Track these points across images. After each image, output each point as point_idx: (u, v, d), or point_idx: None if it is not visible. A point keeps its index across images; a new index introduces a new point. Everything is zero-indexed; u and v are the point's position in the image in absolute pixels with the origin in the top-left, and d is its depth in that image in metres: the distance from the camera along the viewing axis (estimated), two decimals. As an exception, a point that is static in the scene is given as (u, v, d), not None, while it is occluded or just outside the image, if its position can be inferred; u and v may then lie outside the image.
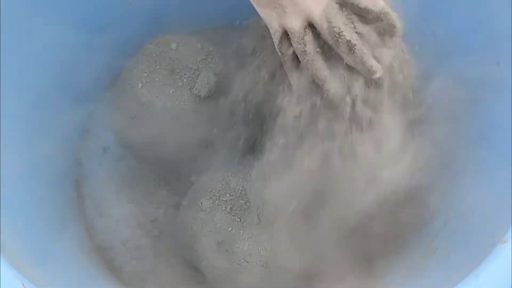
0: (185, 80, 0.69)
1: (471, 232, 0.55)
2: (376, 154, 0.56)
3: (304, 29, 0.49)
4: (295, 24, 0.49)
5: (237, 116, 0.74)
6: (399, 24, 0.50)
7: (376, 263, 0.69)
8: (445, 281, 0.47)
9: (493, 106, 0.60)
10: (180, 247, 0.69)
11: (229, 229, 0.61)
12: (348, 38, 0.48)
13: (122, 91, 0.71)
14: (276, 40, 0.52)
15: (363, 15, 0.49)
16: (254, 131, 0.74)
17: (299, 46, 0.50)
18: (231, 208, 0.62)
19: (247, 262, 0.61)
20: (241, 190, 0.63)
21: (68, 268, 0.60)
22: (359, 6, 0.48)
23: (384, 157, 0.57)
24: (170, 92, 0.68)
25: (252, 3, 0.51)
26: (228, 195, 0.63)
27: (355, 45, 0.48)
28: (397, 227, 0.70)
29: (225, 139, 0.74)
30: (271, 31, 0.52)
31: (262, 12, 0.51)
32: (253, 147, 0.74)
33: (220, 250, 0.61)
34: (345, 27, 0.48)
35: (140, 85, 0.69)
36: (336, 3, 0.48)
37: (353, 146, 0.54)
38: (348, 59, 0.49)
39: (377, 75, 0.49)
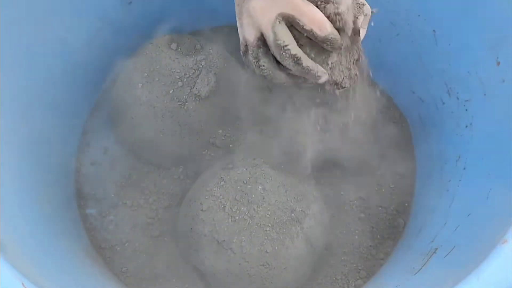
0: (185, 80, 0.69)
1: (471, 232, 0.55)
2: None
3: (257, 41, 0.52)
4: (249, 36, 0.52)
5: (238, 115, 0.75)
6: (340, 45, 0.51)
7: (376, 262, 0.69)
8: (445, 281, 0.47)
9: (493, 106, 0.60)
10: (180, 247, 0.69)
11: (229, 229, 0.61)
12: (293, 52, 0.50)
13: (122, 91, 0.71)
14: (241, 51, 0.55)
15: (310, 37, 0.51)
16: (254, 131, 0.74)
17: (254, 60, 0.53)
18: (231, 208, 0.62)
19: (247, 262, 0.61)
20: (241, 190, 0.63)
21: (68, 268, 0.60)
22: (304, 28, 0.49)
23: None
24: (170, 92, 0.68)
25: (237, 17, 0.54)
26: (228, 195, 0.63)
27: (300, 58, 0.50)
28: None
29: (225, 138, 0.74)
30: (240, 44, 0.55)
31: (238, 25, 0.54)
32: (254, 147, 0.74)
33: (220, 250, 0.61)
34: (290, 41, 0.50)
35: (140, 85, 0.69)
36: (283, 21, 0.50)
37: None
38: (294, 69, 0.52)
39: (323, 79, 0.53)
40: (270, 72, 0.53)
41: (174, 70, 0.69)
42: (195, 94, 0.68)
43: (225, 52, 0.74)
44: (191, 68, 0.69)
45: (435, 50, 0.67)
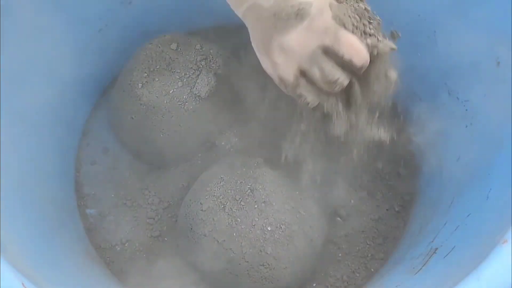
0: (185, 80, 0.69)
1: (471, 232, 0.55)
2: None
3: (297, 79, 0.50)
4: (288, 76, 0.50)
5: (238, 116, 0.74)
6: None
7: (376, 262, 0.69)
8: (445, 281, 0.47)
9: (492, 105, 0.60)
10: (180, 247, 0.69)
11: (229, 229, 0.61)
12: (345, 83, 0.49)
13: (122, 91, 0.71)
14: (283, 89, 0.53)
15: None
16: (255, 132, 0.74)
17: (296, 97, 0.51)
18: (231, 208, 0.62)
19: (247, 262, 0.61)
20: (241, 190, 0.63)
21: (68, 268, 0.60)
22: (344, 57, 0.47)
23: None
24: (170, 92, 0.68)
25: (255, 51, 0.53)
26: (228, 195, 0.63)
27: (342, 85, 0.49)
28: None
29: (225, 138, 0.74)
30: (276, 82, 0.53)
31: (262, 62, 0.52)
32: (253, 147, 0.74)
33: (220, 250, 0.61)
34: (340, 74, 0.48)
35: (140, 85, 0.69)
36: (320, 49, 0.48)
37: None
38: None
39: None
40: (317, 102, 0.51)
41: (174, 70, 0.69)
42: (195, 94, 0.68)
43: (225, 52, 0.74)
44: (191, 68, 0.69)
45: (435, 50, 0.67)
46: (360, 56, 0.47)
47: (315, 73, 0.48)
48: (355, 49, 0.47)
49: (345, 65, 0.48)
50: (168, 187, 0.73)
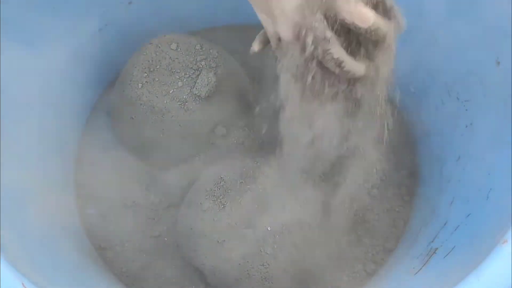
0: (185, 80, 0.69)
1: (471, 232, 0.55)
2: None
3: (297, 38, 0.48)
4: (286, 34, 0.48)
5: (238, 115, 0.74)
6: (390, 37, 0.48)
7: (376, 262, 0.69)
8: (445, 281, 0.47)
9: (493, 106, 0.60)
10: (180, 247, 0.69)
11: (229, 229, 0.61)
12: (335, 56, 0.47)
13: (122, 91, 0.71)
14: (273, 44, 0.52)
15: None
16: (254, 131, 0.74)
17: (291, 57, 0.49)
18: (231, 208, 0.62)
19: (247, 262, 0.61)
20: (241, 190, 0.63)
21: (68, 268, 0.60)
22: (346, 22, 0.46)
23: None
24: (170, 92, 0.68)
25: (253, 6, 0.52)
26: (228, 195, 0.63)
27: (342, 61, 0.47)
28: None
29: (225, 139, 0.74)
30: (268, 35, 0.52)
31: (259, 16, 0.52)
32: (252, 147, 0.74)
33: (220, 250, 0.61)
34: (333, 43, 0.46)
35: (140, 85, 0.69)
36: (322, 19, 0.46)
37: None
38: (332, 68, 0.48)
39: (358, 75, 0.49)
40: (307, 66, 0.49)
41: (174, 70, 0.69)
42: (195, 94, 0.68)
43: (225, 52, 0.74)
44: (191, 68, 0.69)
45: (435, 50, 0.67)
46: (362, 18, 0.45)
47: (309, 40, 0.46)
48: (357, 12, 0.44)
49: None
50: (168, 187, 0.73)
